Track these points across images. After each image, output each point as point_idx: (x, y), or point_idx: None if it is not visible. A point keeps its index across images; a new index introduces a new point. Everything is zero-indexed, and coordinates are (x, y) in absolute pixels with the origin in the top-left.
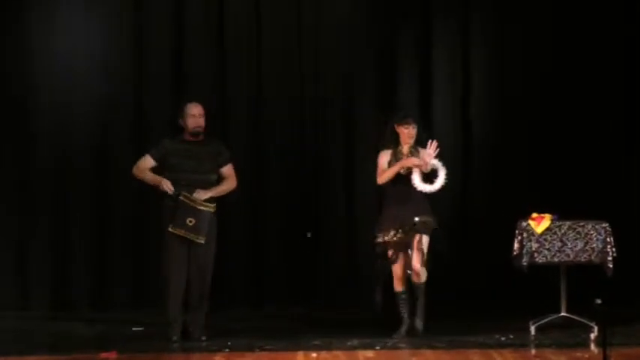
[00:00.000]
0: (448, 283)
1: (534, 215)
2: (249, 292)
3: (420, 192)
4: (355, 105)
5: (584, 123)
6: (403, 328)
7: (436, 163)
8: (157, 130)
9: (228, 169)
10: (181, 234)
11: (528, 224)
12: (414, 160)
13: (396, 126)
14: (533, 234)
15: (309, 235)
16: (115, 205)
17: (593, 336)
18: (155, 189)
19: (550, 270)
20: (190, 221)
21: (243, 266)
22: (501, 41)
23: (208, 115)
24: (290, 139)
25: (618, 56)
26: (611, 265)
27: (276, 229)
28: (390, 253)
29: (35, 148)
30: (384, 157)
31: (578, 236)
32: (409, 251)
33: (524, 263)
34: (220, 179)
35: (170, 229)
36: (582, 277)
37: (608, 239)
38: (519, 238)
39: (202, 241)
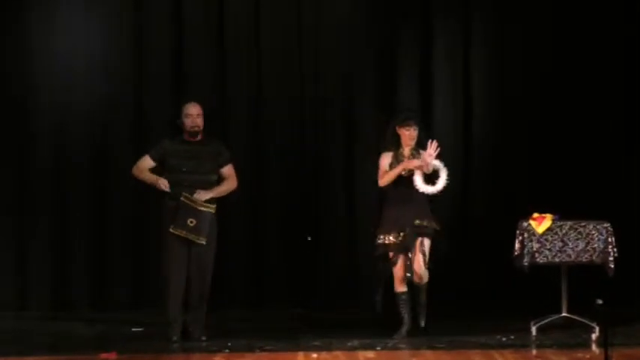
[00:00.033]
0: (448, 283)
1: (535, 215)
2: (249, 292)
3: (422, 194)
4: (355, 105)
5: (585, 123)
6: (404, 329)
7: (437, 163)
8: (157, 130)
9: (228, 169)
10: (182, 235)
11: (529, 224)
12: (415, 162)
13: (397, 128)
14: (534, 234)
15: (309, 238)
16: (115, 205)
17: (594, 336)
18: (156, 189)
19: (551, 270)
20: (191, 222)
21: (243, 266)
22: (501, 41)
23: (208, 115)
24: (290, 139)
25: (618, 56)
26: (612, 266)
27: (276, 229)
28: (391, 254)
29: (35, 148)
30: (385, 159)
31: (580, 236)
32: (409, 254)
33: (526, 263)
34: (220, 179)
35: (171, 230)
36: (583, 277)
37: (609, 239)
38: (520, 238)
39: (203, 242)
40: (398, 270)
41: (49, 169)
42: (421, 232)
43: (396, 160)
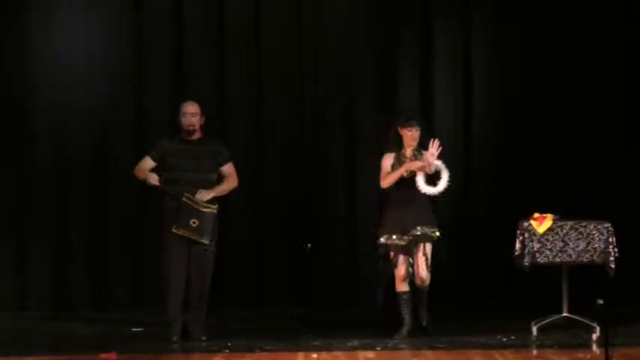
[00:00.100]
0: (448, 283)
1: (536, 215)
2: (249, 292)
3: (423, 195)
4: (355, 105)
5: (585, 123)
6: (404, 329)
7: (439, 164)
8: (157, 130)
9: (228, 168)
10: (185, 234)
11: (530, 224)
12: (417, 164)
13: (399, 128)
14: (535, 234)
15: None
16: (115, 205)
17: (595, 336)
18: (156, 189)
19: (552, 270)
20: (194, 222)
21: (243, 266)
22: (501, 41)
23: (207, 114)
24: (290, 139)
25: (618, 56)
26: (613, 266)
27: (276, 229)
28: (392, 254)
29: (35, 148)
30: (388, 160)
31: (580, 236)
32: (411, 259)
33: (526, 263)
34: (221, 178)
35: (174, 230)
36: (584, 277)
37: (610, 239)
38: (521, 238)
39: (207, 242)
40: (399, 270)
41: (49, 169)
42: (423, 239)
43: (398, 160)
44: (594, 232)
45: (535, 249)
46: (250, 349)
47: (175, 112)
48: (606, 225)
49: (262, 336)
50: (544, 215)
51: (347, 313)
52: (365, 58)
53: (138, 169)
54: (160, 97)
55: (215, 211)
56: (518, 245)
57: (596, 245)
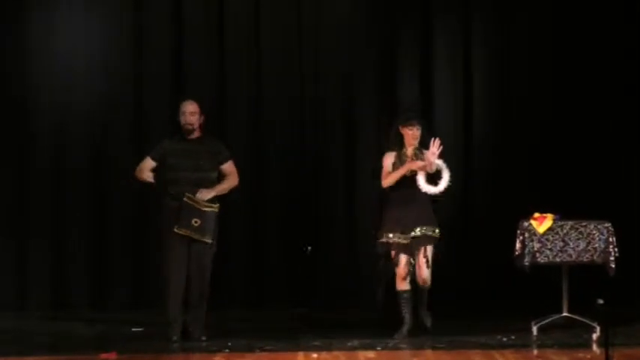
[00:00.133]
0: (449, 283)
1: (536, 215)
2: (249, 292)
3: (424, 194)
4: (355, 105)
5: (586, 122)
6: (404, 328)
7: (440, 163)
8: (157, 130)
9: (229, 166)
10: (187, 234)
11: (530, 224)
12: (418, 163)
13: (400, 127)
14: (535, 234)
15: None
16: (115, 205)
17: (595, 336)
18: (156, 189)
19: (552, 270)
20: (196, 222)
21: (243, 266)
22: (501, 41)
23: (207, 114)
24: (290, 139)
25: (618, 56)
26: (613, 265)
27: (276, 229)
28: (393, 253)
29: (35, 148)
30: (389, 159)
31: (581, 236)
32: (412, 259)
33: (526, 263)
34: (221, 177)
35: (176, 230)
36: (584, 277)
37: (610, 239)
38: (521, 238)
39: (209, 240)
40: (400, 269)
41: (49, 169)
42: (424, 242)
43: (399, 159)
44: (594, 231)
45: (535, 249)
46: (250, 349)
47: (175, 112)
48: (606, 225)
49: (262, 336)
50: (544, 215)
51: (347, 313)
52: (365, 58)
53: (138, 169)
54: (160, 97)
55: (216, 210)
56: (518, 245)
57: (597, 245)
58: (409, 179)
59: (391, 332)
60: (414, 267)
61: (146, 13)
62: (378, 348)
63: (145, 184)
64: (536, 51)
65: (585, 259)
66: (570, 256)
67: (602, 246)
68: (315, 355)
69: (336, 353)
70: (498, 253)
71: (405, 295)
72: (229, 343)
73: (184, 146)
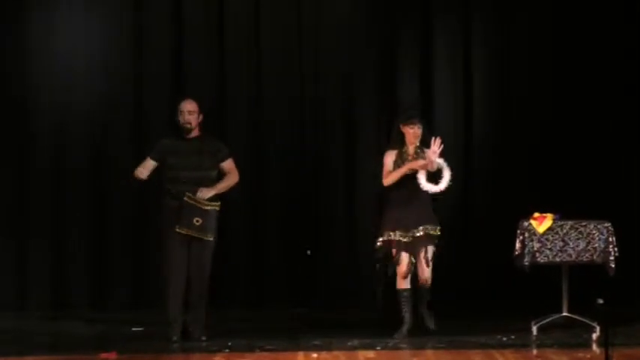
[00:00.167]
0: (449, 283)
1: (536, 215)
2: (249, 292)
3: (425, 193)
4: (355, 105)
5: (586, 122)
6: (404, 328)
7: (441, 162)
8: (157, 130)
9: (228, 164)
10: (189, 233)
11: (530, 224)
12: (420, 162)
13: (401, 126)
14: (535, 234)
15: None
16: (115, 205)
17: (595, 336)
18: (156, 189)
19: (552, 270)
20: (197, 221)
21: (243, 266)
22: (501, 41)
23: (206, 113)
24: (290, 139)
25: (618, 56)
26: (613, 265)
27: (276, 229)
28: (394, 252)
29: (35, 148)
30: (390, 157)
31: (580, 236)
32: (413, 258)
33: (526, 263)
34: (222, 175)
35: (177, 230)
36: (584, 276)
37: (610, 239)
38: (521, 237)
39: (212, 239)
40: (401, 267)
41: (49, 169)
42: (425, 242)
43: (401, 158)
44: (594, 231)
45: (535, 249)
46: (250, 349)
47: (175, 112)
48: (606, 225)
49: (262, 336)
50: (544, 215)
51: (347, 313)
52: (365, 58)
53: (139, 170)
54: (160, 97)
55: (218, 208)
56: (518, 245)
57: (596, 245)
58: (410, 178)
59: (391, 332)
60: (415, 266)
61: (146, 13)
62: (378, 348)
63: (146, 184)
64: (536, 51)
65: (585, 259)
66: (570, 255)
67: (602, 246)
68: (315, 355)
69: (336, 353)
70: (498, 253)
71: (405, 293)
72: (229, 343)
73: (184, 145)
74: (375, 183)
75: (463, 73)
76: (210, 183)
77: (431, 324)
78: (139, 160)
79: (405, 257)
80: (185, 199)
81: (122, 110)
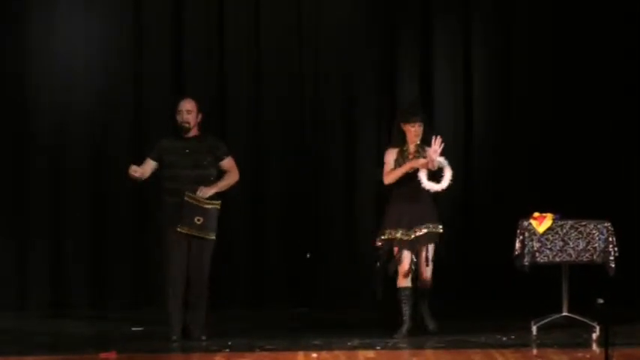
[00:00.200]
0: (449, 283)
1: (536, 215)
2: (249, 292)
3: (427, 191)
4: (355, 105)
5: (586, 122)
6: (404, 328)
7: (442, 161)
8: (157, 130)
9: (228, 162)
10: (191, 232)
11: (530, 224)
12: (421, 161)
13: (402, 124)
14: (534, 233)
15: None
16: (115, 204)
17: (595, 336)
18: (156, 189)
19: (552, 270)
20: (198, 220)
21: (243, 266)
22: (502, 41)
23: (207, 113)
24: (290, 139)
25: (618, 56)
26: (613, 265)
27: (276, 229)
28: (395, 250)
29: (35, 148)
30: (391, 155)
31: (580, 236)
32: (414, 257)
33: (526, 263)
34: (221, 173)
35: (178, 229)
36: (584, 276)
37: (610, 239)
38: (521, 237)
39: (213, 237)
40: (403, 265)
41: (48, 168)
42: (427, 240)
43: (402, 156)
44: (594, 231)
45: (535, 248)
46: (250, 349)
47: (175, 112)
48: (606, 224)
49: (262, 336)
50: (544, 215)
51: (347, 313)
52: (365, 58)
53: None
54: (160, 97)
55: (218, 206)
56: (518, 245)
57: (596, 245)
58: (411, 176)
59: (391, 332)
60: (416, 265)
61: (146, 13)
62: (378, 347)
63: (145, 183)
64: (536, 51)
65: (585, 259)
66: (570, 255)
67: (602, 246)
68: (315, 355)
69: (336, 353)
70: (498, 253)
71: (406, 292)
72: (229, 343)
73: (183, 144)
74: (376, 172)
75: (463, 73)
76: (210, 182)
77: (431, 324)
78: (138, 160)
79: (406, 256)
80: (185, 198)
81: (122, 110)
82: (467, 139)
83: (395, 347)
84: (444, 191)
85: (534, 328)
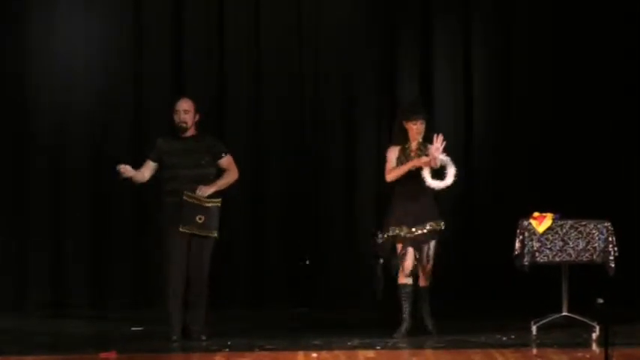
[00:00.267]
0: (449, 283)
1: (536, 214)
2: (249, 292)
3: (429, 188)
4: (355, 105)
5: (586, 122)
6: (404, 327)
7: (445, 158)
8: (157, 130)
9: (227, 161)
10: (193, 231)
11: (530, 223)
12: (423, 160)
13: (404, 122)
14: (534, 233)
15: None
16: (115, 205)
17: (594, 336)
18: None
19: (551, 269)
20: (200, 219)
21: (243, 266)
22: (502, 41)
23: (206, 113)
24: (290, 139)
25: (619, 56)
26: (612, 265)
27: (276, 229)
28: (399, 247)
29: (35, 148)
30: (393, 153)
31: (580, 235)
32: (417, 254)
33: (526, 263)
34: (220, 172)
35: (181, 229)
36: (584, 276)
37: (610, 239)
38: (521, 237)
39: (216, 235)
40: (406, 263)
41: (48, 168)
42: (429, 237)
43: (404, 154)
44: (594, 231)
45: (535, 248)
46: (250, 349)
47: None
48: (606, 224)
49: (262, 336)
50: (544, 214)
51: (347, 313)
52: (365, 58)
53: (140, 173)
54: (160, 97)
55: (219, 204)
56: (517, 245)
57: (596, 244)
58: (414, 174)
59: (391, 332)
60: (419, 261)
61: (146, 13)
62: (378, 347)
63: (145, 185)
64: (536, 51)
65: (585, 259)
66: (570, 255)
67: (602, 245)
68: (315, 355)
69: (336, 352)
70: (498, 253)
71: (407, 289)
72: (229, 343)
73: (181, 144)
74: (373, 184)
75: (463, 73)
76: (210, 181)
77: (430, 324)
78: (138, 160)
79: (410, 253)
80: (185, 197)
81: (122, 110)
82: (467, 139)
83: (395, 347)
84: (448, 188)
85: (534, 328)
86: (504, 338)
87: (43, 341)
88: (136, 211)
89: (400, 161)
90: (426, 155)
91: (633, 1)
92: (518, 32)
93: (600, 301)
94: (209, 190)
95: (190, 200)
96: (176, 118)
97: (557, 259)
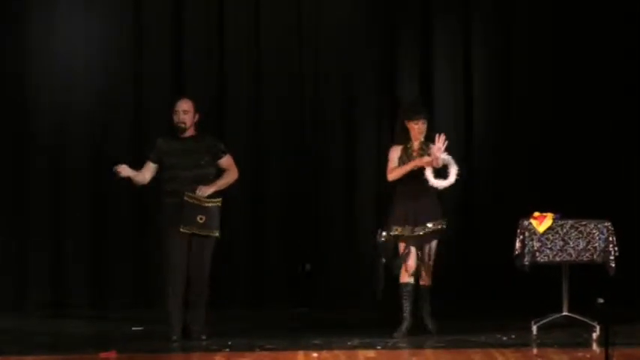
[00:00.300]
0: (449, 283)
1: (536, 214)
2: (249, 292)
3: (431, 188)
4: (355, 105)
5: (586, 122)
6: (404, 326)
7: (447, 157)
8: (157, 130)
9: (227, 161)
10: (195, 231)
11: (530, 223)
12: (425, 159)
13: (405, 122)
14: (535, 233)
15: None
16: (115, 205)
17: (595, 335)
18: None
19: (552, 269)
20: (201, 218)
21: (243, 266)
22: (502, 41)
23: (206, 113)
24: (290, 139)
25: (619, 56)
26: (613, 265)
27: (276, 229)
28: (401, 247)
29: (35, 148)
30: (394, 152)
31: (581, 235)
32: (419, 253)
33: (526, 262)
34: (220, 172)
35: (182, 230)
36: (584, 276)
37: (610, 238)
38: (521, 237)
39: (217, 234)
40: (409, 262)
41: (48, 168)
42: (431, 237)
43: (406, 153)
44: (594, 231)
45: (535, 248)
46: (250, 348)
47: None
48: (606, 224)
49: (262, 336)
50: (544, 214)
51: (347, 313)
52: (365, 58)
53: (140, 174)
54: (160, 97)
55: (219, 204)
56: (518, 244)
57: (597, 244)
58: (417, 173)
59: (391, 332)
60: (422, 261)
61: (146, 13)
62: (378, 347)
63: (145, 186)
64: (536, 51)
65: (585, 259)
66: (570, 255)
67: (602, 245)
68: (315, 355)
69: (336, 352)
70: (498, 253)
71: (408, 288)
72: (229, 343)
73: (180, 145)
74: (373, 184)
75: (463, 73)
76: (209, 181)
77: (430, 324)
78: (138, 160)
79: (412, 252)
80: (185, 198)
81: (122, 110)
82: (467, 139)
83: (395, 347)
84: (451, 187)
85: (534, 328)
86: (505, 338)
87: (43, 341)
88: (136, 211)
89: (402, 161)
90: (428, 155)
91: (633, 1)
92: (518, 32)
93: (601, 300)
94: (209, 190)
95: (191, 201)
96: (175, 118)
97: (557, 258)
